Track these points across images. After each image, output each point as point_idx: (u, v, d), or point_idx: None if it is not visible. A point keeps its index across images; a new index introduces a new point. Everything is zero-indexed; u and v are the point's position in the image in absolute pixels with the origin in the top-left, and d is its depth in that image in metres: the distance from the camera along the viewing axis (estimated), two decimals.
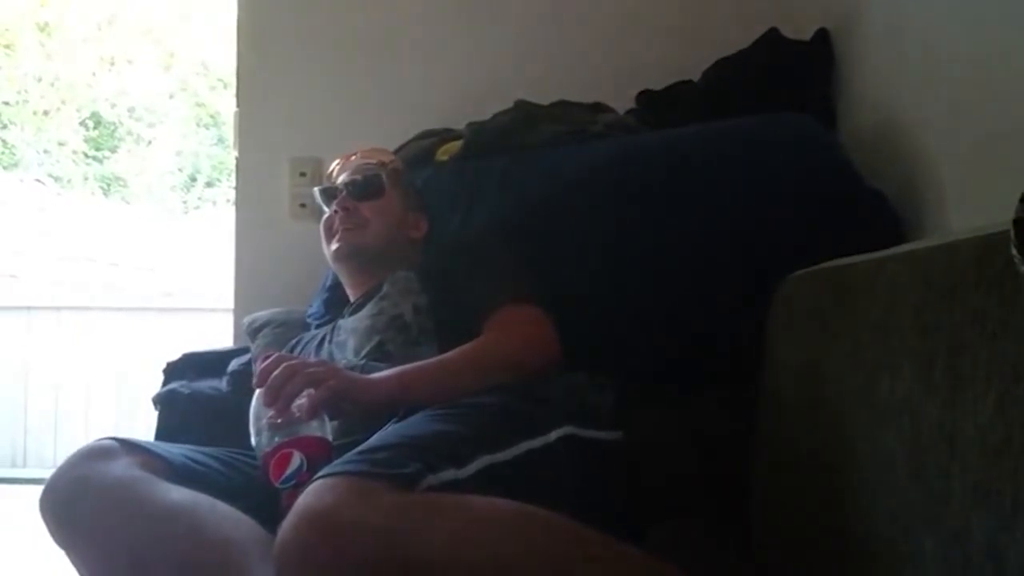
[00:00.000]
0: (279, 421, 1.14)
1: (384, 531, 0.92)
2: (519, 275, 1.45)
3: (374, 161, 1.67)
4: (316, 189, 1.69)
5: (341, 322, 1.54)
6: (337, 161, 1.71)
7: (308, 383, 1.15)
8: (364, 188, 1.60)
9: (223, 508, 1.12)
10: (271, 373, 1.16)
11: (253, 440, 1.18)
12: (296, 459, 1.11)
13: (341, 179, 1.64)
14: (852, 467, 0.93)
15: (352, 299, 1.59)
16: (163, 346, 2.73)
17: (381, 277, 1.52)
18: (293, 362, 1.17)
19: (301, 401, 1.14)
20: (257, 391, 1.18)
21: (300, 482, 1.08)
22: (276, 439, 1.13)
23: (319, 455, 1.13)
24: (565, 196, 1.62)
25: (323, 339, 1.56)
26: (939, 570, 0.73)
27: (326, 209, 1.63)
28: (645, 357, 1.53)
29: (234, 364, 1.72)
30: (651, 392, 1.48)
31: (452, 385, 1.24)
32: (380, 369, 1.32)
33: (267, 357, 1.21)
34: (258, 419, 1.17)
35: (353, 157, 1.69)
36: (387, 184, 1.62)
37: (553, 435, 1.16)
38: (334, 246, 1.58)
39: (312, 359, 1.37)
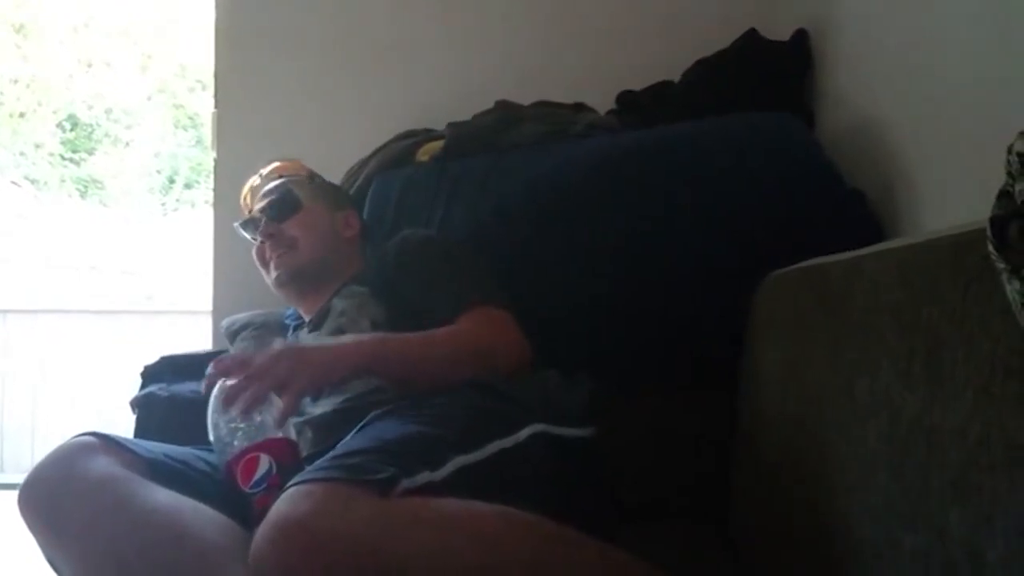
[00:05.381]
0: (242, 425, 1.13)
1: (362, 540, 0.91)
2: (483, 278, 1.45)
3: (280, 177, 1.64)
4: (236, 225, 1.65)
5: (303, 336, 1.53)
6: (246, 191, 1.68)
7: (272, 388, 1.14)
8: (281, 208, 1.58)
9: (205, 511, 1.12)
10: (223, 375, 1.15)
11: (214, 448, 1.17)
12: (264, 462, 1.11)
13: (257, 207, 1.61)
14: (832, 465, 0.93)
15: (308, 317, 1.57)
16: (141, 349, 2.71)
17: (331, 289, 1.52)
18: (250, 366, 1.15)
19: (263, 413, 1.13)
20: (213, 399, 1.17)
21: (271, 485, 1.08)
22: (240, 444, 1.12)
23: (287, 456, 1.12)
24: (546, 196, 1.62)
25: None
26: (919, 567, 0.73)
27: (253, 241, 1.61)
28: (625, 356, 1.53)
29: None
30: (632, 391, 1.48)
31: (421, 364, 1.25)
32: (348, 385, 1.32)
33: (220, 360, 1.19)
34: (216, 427, 1.16)
35: (258, 181, 1.66)
36: (302, 195, 1.60)
37: (524, 433, 1.16)
38: (273, 274, 1.56)
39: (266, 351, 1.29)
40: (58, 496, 1.10)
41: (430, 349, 1.28)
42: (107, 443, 1.17)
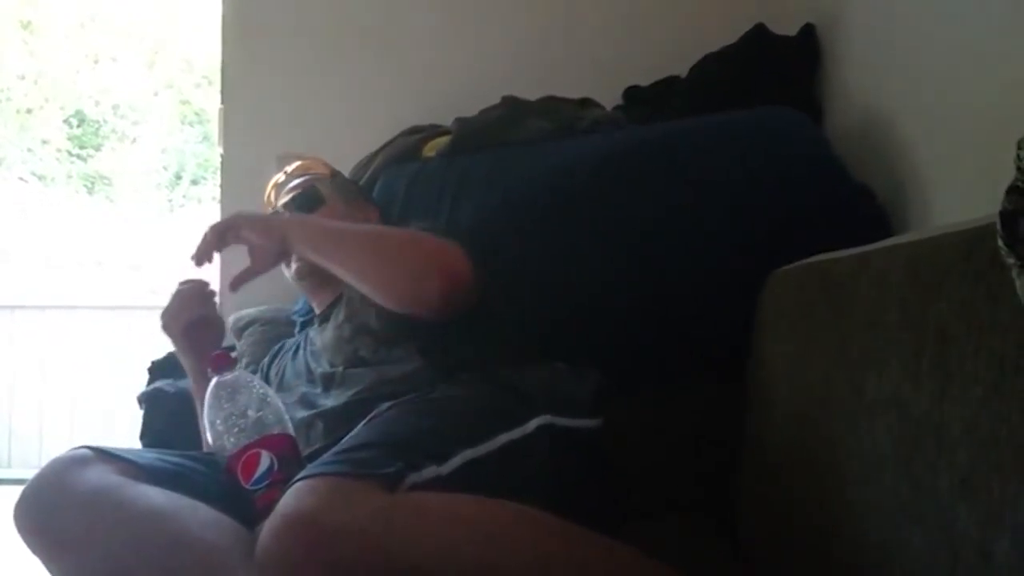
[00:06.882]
0: (240, 422, 1.13)
1: (369, 535, 0.91)
2: (462, 234, 1.42)
3: (304, 174, 1.65)
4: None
5: (312, 332, 1.54)
6: (270, 187, 1.69)
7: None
8: (304, 203, 1.58)
9: (205, 510, 1.10)
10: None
11: (213, 445, 1.17)
12: (265, 459, 1.10)
13: (280, 203, 1.62)
14: (840, 462, 0.93)
15: (318, 311, 1.57)
16: (149, 344, 2.71)
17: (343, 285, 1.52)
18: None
19: None
20: (208, 397, 1.17)
21: (273, 481, 1.08)
22: (239, 442, 1.12)
23: (287, 452, 1.12)
24: (548, 193, 1.62)
25: (298, 347, 1.55)
26: (927, 564, 0.73)
27: None
28: (625, 355, 1.53)
29: None
30: (632, 390, 1.48)
31: (348, 239, 1.37)
32: (358, 376, 1.34)
33: (218, 356, 1.20)
34: (214, 424, 1.16)
35: (283, 178, 1.67)
36: (323, 191, 1.60)
37: (531, 425, 1.16)
38: (293, 266, 1.57)
39: None
40: (53, 509, 1.09)
41: (362, 231, 1.40)
42: (100, 454, 1.16)
